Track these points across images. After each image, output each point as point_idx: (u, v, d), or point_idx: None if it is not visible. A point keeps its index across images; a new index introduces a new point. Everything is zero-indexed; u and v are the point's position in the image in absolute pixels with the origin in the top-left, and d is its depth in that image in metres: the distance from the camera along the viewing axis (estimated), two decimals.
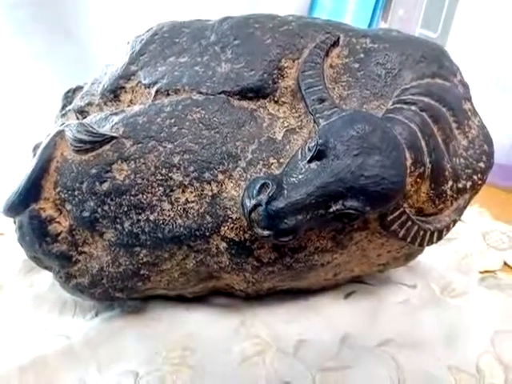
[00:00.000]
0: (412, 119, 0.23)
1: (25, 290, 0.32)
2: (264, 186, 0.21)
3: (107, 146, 0.24)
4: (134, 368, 0.25)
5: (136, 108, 0.26)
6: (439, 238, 0.26)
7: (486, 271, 0.33)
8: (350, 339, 0.27)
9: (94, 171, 0.24)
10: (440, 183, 0.25)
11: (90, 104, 0.28)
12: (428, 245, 0.26)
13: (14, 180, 0.26)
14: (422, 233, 0.25)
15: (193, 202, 0.24)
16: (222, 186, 0.24)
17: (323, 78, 0.24)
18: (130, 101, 0.27)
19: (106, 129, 0.24)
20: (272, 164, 0.24)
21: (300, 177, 0.22)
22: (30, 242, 0.25)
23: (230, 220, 0.24)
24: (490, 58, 0.48)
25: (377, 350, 0.26)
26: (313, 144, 0.22)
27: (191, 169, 0.24)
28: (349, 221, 0.22)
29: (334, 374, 0.25)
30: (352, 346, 0.27)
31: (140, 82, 0.27)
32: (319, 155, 0.21)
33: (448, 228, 0.26)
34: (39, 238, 0.25)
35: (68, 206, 0.25)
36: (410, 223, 0.24)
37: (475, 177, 0.26)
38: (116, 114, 0.25)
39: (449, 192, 0.25)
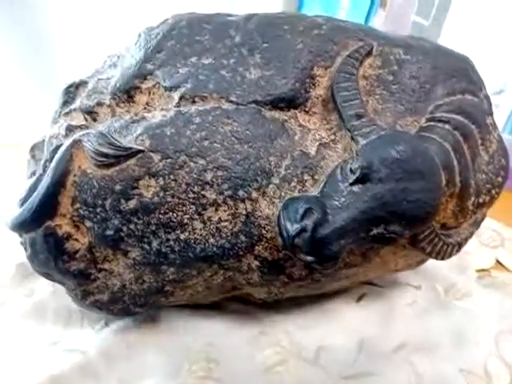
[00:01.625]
0: (446, 138, 0.23)
1: (22, 299, 0.30)
2: (308, 210, 0.21)
3: (133, 161, 0.22)
4: (158, 383, 0.25)
5: (158, 115, 0.24)
6: (458, 250, 0.27)
7: (482, 270, 0.35)
8: (367, 345, 0.28)
9: (118, 188, 0.22)
10: (465, 200, 0.25)
11: (99, 104, 0.26)
12: (449, 257, 0.27)
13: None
14: (445, 247, 0.26)
15: (226, 220, 0.23)
16: (256, 203, 0.23)
17: (359, 92, 0.24)
18: (147, 103, 0.25)
19: (128, 140, 0.23)
20: (306, 181, 0.23)
21: (342, 200, 0.21)
22: (44, 260, 0.24)
23: (264, 239, 0.23)
24: (483, 47, 0.49)
25: (393, 355, 0.27)
26: (356, 166, 0.21)
27: (225, 186, 0.22)
28: (386, 242, 0.23)
29: (356, 381, 0.26)
30: (369, 352, 0.28)
31: (158, 83, 0.25)
32: (362, 178, 0.21)
33: (466, 240, 0.27)
34: (55, 256, 0.23)
35: (88, 223, 0.23)
36: (436, 240, 0.25)
37: (493, 191, 0.27)
38: (137, 121, 0.23)
39: (470, 207, 0.26)
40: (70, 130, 0.25)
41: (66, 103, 0.27)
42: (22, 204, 0.24)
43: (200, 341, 0.28)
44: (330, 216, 0.21)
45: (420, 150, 0.22)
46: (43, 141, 0.27)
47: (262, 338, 0.28)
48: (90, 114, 0.26)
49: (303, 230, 0.21)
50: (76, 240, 0.23)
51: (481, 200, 0.26)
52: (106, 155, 0.22)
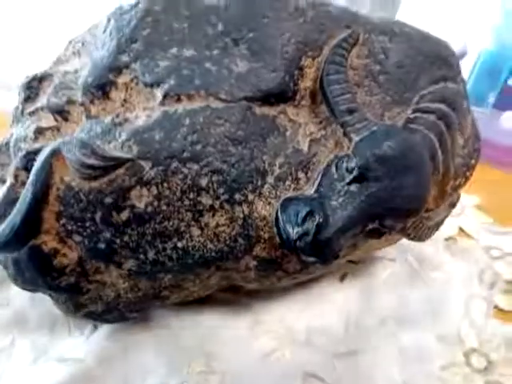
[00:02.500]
0: (431, 129, 0.24)
1: None
2: (309, 213, 0.21)
3: (122, 170, 0.21)
4: (161, 381, 0.25)
5: (142, 116, 0.22)
6: (437, 230, 0.29)
7: (448, 238, 0.38)
8: (353, 322, 0.30)
9: (108, 200, 0.21)
10: (445, 184, 0.27)
11: (70, 102, 0.23)
12: (429, 238, 0.28)
13: None
14: (426, 230, 0.27)
15: (224, 225, 0.22)
16: (252, 205, 0.22)
17: (350, 84, 0.23)
18: (124, 100, 0.23)
19: (113, 146, 0.21)
20: (300, 179, 0.23)
21: (341, 200, 0.21)
22: (30, 278, 0.22)
23: (262, 240, 0.23)
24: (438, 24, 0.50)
25: (379, 330, 0.29)
26: (352, 165, 0.21)
27: (221, 191, 0.22)
28: (379, 236, 0.24)
29: (349, 358, 0.27)
30: (356, 329, 0.29)
31: (136, 77, 0.23)
32: (359, 178, 0.21)
33: (443, 220, 0.29)
34: (43, 274, 0.22)
35: (77, 238, 0.21)
36: (420, 225, 0.26)
37: (468, 173, 0.28)
38: (120, 124, 0.22)
39: (449, 191, 0.27)
40: (40, 132, 0.23)
41: (28, 99, 0.25)
42: None
43: (196, 336, 0.28)
44: (331, 217, 0.21)
45: (410, 145, 0.22)
46: (7, 143, 0.25)
47: (257, 326, 0.29)
48: (61, 113, 0.23)
49: (305, 233, 0.21)
50: (64, 255, 0.22)
51: (457, 182, 0.28)
52: (91, 167, 0.20)
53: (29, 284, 0.23)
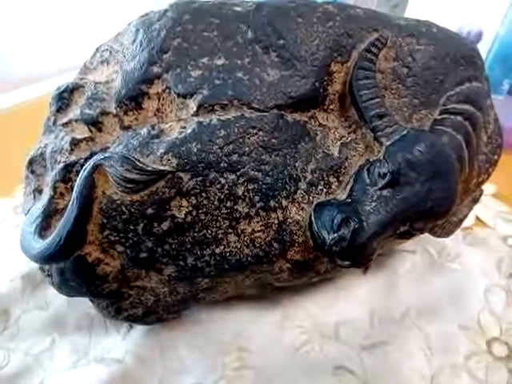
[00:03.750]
0: (459, 130, 0.24)
1: (38, 313, 0.29)
2: (345, 219, 0.22)
3: (162, 182, 0.21)
4: (198, 380, 0.26)
5: (176, 127, 0.22)
6: (460, 226, 0.30)
7: (465, 228, 0.39)
8: (378, 314, 0.31)
9: (150, 211, 0.21)
10: (469, 182, 0.27)
11: (104, 113, 0.24)
12: (452, 234, 0.29)
13: None
14: (451, 227, 0.28)
15: (259, 231, 0.23)
16: (286, 211, 0.23)
17: (379, 89, 0.24)
18: (157, 110, 0.24)
19: (152, 159, 0.21)
20: (332, 183, 0.24)
21: (373, 205, 0.22)
22: (76, 286, 0.23)
23: (296, 244, 0.24)
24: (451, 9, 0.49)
25: (403, 321, 0.30)
26: (385, 171, 0.22)
27: (256, 199, 0.22)
28: (410, 237, 0.24)
29: (376, 350, 0.29)
30: (381, 321, 0.30)
31: (168, 88, 0.23)
32: (391, 183, 0.22)
33: (467, 216, 0.30)
34: (87, 282, 0.23)
35: (119, 248, 0.22)
36: (446, 223, 0.27)
37: (490, 169, 0.29)
38: (157, 137, 0.22)
39: (472, 187, 0.28)
40: (75, 143, 0.24)
41: (60, 110, 0.25)
42: (39, 233, 0.22)
43: (228, 332, 0.29)
44: (365, 223, 0.22)
45: (439, 149, 0.23)
46: (41, 154, 0.25)
47: (286, 321, 0.30)
48: (95, 124, 0.24)
49: (341, 239, 0.21)
50: (107, 264, 0.23)
51: (480, 179, 0.28)
52: (133, 181, 0.21)
53: (73, 292, 0.23)
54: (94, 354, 0.27)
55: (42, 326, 0.29)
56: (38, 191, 0.25)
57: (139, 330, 0.29)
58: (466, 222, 0.39)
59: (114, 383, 0.26)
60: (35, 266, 0.32)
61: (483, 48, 0.48)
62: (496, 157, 0.29)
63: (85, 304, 0.29)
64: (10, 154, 0.44)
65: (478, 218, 0.40)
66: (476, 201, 0.30)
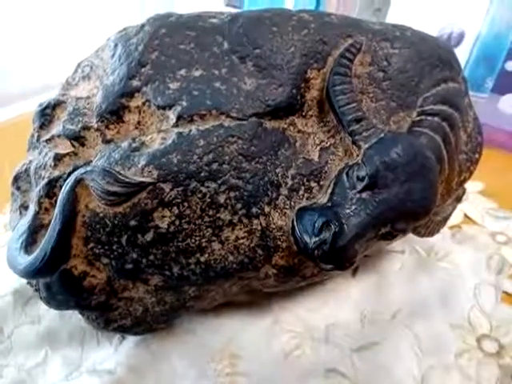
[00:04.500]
0: (436, 131, 0.25)
1: (29, 327, 0.30)
2: (325, 223, 0.22)
3: (143, 194, 0.22)
4: None
5: (157, 139, 0.23)
6: (444, 225, 0.30)
7: (453, 226, 0.39)
8: (368, 316, 0.31)
9: (133, 223, 0.22)
10: (450, 181, 0.27)
11: (85, 128, 0.24)
12: (437, 233, 0.29)
13: None
14: (434, 226, 0.28)
15: (243, 238, 0.23)
16: (269, 217, 0.23)
17: (356, 93, 0.24)
18: (138, 122, 0.24)
19: (133, 172, 0.22)
20: (313, 188, 0.24)
21: (353, 208, 0.22)
22: (63, 300, 0.23)
23: (280, 249, 0.24)
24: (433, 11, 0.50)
25: (392, 321, 0.31)
26: (363, 174, 0.22)
27: (238, 206, 0.23)
28: (392, 238, 0.25)
29: (367, 351, 0.29)
30: (371, 322, 0.31)
31: (148, 101, 0.23)
32: (370, 185, 0.22)
33: (451, 214, 0.30)
34: (74, 296, 0.23)
35: (105, 260, 0.22)
36: (429, 222, 0.27)
37: (472, 168, 0.29)
38: (138, 149, 0.22)
39: (454, 186, 0.28)
40: (58, 159, 0.24)
41: (43, 126, 0.26)
42: (25, 249, 0.23)
43: (219, 339, 0.29)
44: (345, 226, 0.22)
45: (417, 150, 0.23)
46: (26, 170, 0.26)
47: (276, 326, 0.30)
48: (77, 139, 0.24)
49: (322, 242, 0.22)
50: (93, 276, 0.23)
51: (462, 178, 0.29)
52: (115, 193, 0.21)
53: (62, 305, 0.24)
54: (86, 366, 0.28)
55: (34, 340, 0.29)
56: (24, 207, 0.26)
57: (131, 340, 0.29)
58: (454, 220, 0.40)
59: None
60: (25, 281, 0.32)
61: (465, 48, 0.48)
62: (477, 155, 0.29)
63: (76, 317, 0.30)
64: None
65: (466, 216, 0.40)
66: (459, 200, 0.30)
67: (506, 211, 0.40)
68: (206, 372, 0.27)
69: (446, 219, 0.30)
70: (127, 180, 0.21)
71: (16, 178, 0.26)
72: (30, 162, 0.26)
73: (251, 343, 0.29)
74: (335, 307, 0.31)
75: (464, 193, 0.30)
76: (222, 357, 0.28)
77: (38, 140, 0.26)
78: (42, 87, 0.60)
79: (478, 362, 0.28)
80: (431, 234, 0.29)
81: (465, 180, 0.29)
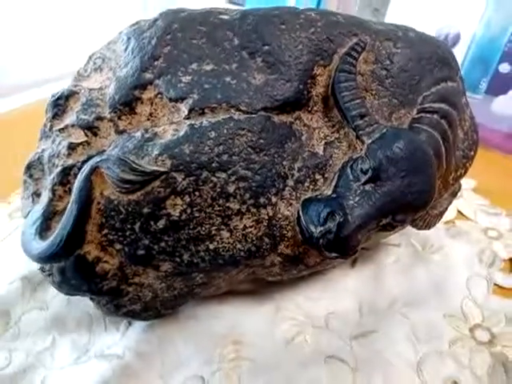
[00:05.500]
0: (436, 128, 0.26)
1: (37, 313, 0.30)
2: (331, 213, 0.23)
3: (157, 182, 0.22)
4: (196, 372, 0.28)
5: (169, 130, 0.24)
6: (440, 218, 0.31)
7: (447, 221, 0.40)
8: (366, 305, 0.32)
9: (146, 210, 0.23)
10: (447, 176, 0.29)
11: (99, 118, 0.25)
12: (434, 226, 0.31)
13: None
14: (431, 219, 0.29)
15: (251, 227, 0.24)
16: (276, 207, 0.24)
17: (359, 90, 0.25)
18: (150, 114, 0.25)
19: (147, 161, 0.23)
20: (318, 180, 0.25)
21: (357, 199, 0.24)
22: (76, 284, 0.24)
23: (285, 238, 0.25)
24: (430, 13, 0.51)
25: (389, 311, 0.32)
26: (367, 167, 0.23)
27: (247, 196, 0.24)
28: (392, 228, 0.26)
29: (365, 339, 0.30)
30: (369, 311, 0.32)
31: (161, 93, 0.24)
32: (373, 178, 0.23)
33: (447, 208, 0.31)
34: (87, 280, 0.24)
35: (117, 246, 0.23)
36: (426, 216, 0.28)
37: (468, 164, 0.31)
38: (151, 139, 0.23)
39: (451, 181, 0.30)
40: (72, 148, 0.25)
41: (56, 116, 0.26)
42: (40, 234, 0.23)
43: (223, 325, 0.30)
44: (349, 216, 0.23)
45: (417, 145, 0.24)
46: (39, 159, 0.26)
47: (278, 313, 0.31)
48: (90, 129, 0.25)
49: (327, 232, 0.23)
50: (106, 262, 0.24)
51: (458, 173, 0.30)
52: (130, 181, 0.22)
53: (74, 290, 0.24)
54: (95, 351, 0.28)
55: (42, 326, 0.30)
56: (37, 194, 0.26)
57: (137, 326, 0.30)
58: (448, 216, 0.41)
59: (115, 377, 0.27)
60: (34, 268, 0.33)
61: (461, 49, 0.50)
62: (472, 152, 0.31)
63: (84, 303, 0.30)
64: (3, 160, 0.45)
65: (459, 212, 0.42)
66: (455, 195, 0.32)
67: (497, 208, 0.42)
68: (211, 357, 0.28)
69: (442, 213, 0.31)
70: (141, 169, 0.22)
71: (28, 167, 0.26)
72: (43, 150, 0.26)
73: (254, 330, 0.30)
74: (334, 297, 0.33)
75: (460, 188, 0.32)
76: (226, 342, 0.29)
77: (50, 129, 0.26)
78: (41, 80, 0.61)
79: (471, 350, 0.30)
80: (428, 226, 0.30)
81: (461, 176, 0.30)
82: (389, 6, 0.55)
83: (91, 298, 0.26)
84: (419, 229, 0.29)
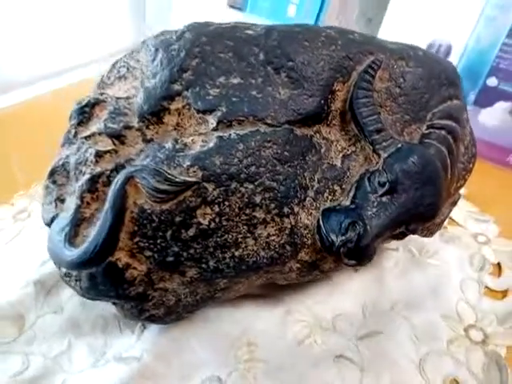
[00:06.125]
0: (443, 143, 0.28)
1: (52, 317, 0.30)
2: (351, 224, 0.24)
3: (189, 192, 0.23)
4: (213, 372, 0.29)
5: (198, 141, 0.25)
6: (441, 226, 0.33)
7: None
8: (369, 307, 0.34)
9: (178, 219, 0.23)
10: (449, 187, 0.31)
11: (127, 127, 0.25)
12: (435, 233, 0.33)
13: None
14: (434, 227, 0.31)
15: (274, 235, 0.25)
16: (297, 216, 0.26)
17: (376, 107, 0.27)
18: (177, 124, 0.26)
19: (179, 171, 0.23)
20: (336, 191, 0.27)
21: (374, 210, 0.25)
22: (104, 290, 0.24)
23: (306, 246, 0.26)
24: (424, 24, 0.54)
25: (391, 313, 0.34)
26: (384, 180, 0.25)
27: (272, 206, 0.25)
28: (403, 236, 0.27)
29: (370, 339, 0.32)
30: (372, 313, 0.34)
31: (189, 104, 0.25)
32: (390, 190, 0.25)
33: (447, 217, 0.34)
34: (116, 286, 0.24)
35: (147, 253, 0.24)
36: (431, 224, 0.30)
37: (467, 176, 0.33)
38: (181, 150, 0.24)
39: (452, 191, 0.32)
40: (100, 155, 0.25)
41: (81, 123, 0.27)
42: (69, 241, 0.24)
43: (237, 327, 0.31)
44: (368, 226, 0.25)
45: (429, 160, 0.26)
46: (63, 165, 0.27)
47: (289, 316, 0.32)
48: (118, 137, 0.25)
49: (348, 241, 0.24)
50: (134, 268, 0.24)
51: (459, 184, 0.32)
52: (164, 191, 0.22)
53: (101, 295, 0.25)
54: (112, 354, 0.29)
55: (57, 330, 0.30)
56: (60, 200, 0.26)
57: (152, 329, 0.31)
58: None
59: (134, 380, 0.27)
60: (46, 272, 0.33)
61: (453, 61, 0.52)
62: (471, 165, 0.33)
63: (98, 307, 0.31)
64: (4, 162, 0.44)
65: (451, 218, 0.44)
66: (455, 203, 0.34)
67: (485, 215, 0.45)
68: (226, 358, 0.29)
69: (443, 221, 0.33)
70: (175, 179, 0.23)
71: (52, 172, 0.27)
72: (67, 157, 0.26)
73: (266, 332, 0.31)
74: (340, 299, 0.34)
75: (459, 198, 0.34)
76: (240, 344, 0.30)
77: (75, 136, 0.26)
78: (36, 77, 0.60)
79: (467, 348, 0.32)
80: (431, 234, 0.32)
81: (460, 186, 0.33)
82: (383, 17, 0.57)
83: (114, 303, 0.27)
84: (424, 236, 0.31)
